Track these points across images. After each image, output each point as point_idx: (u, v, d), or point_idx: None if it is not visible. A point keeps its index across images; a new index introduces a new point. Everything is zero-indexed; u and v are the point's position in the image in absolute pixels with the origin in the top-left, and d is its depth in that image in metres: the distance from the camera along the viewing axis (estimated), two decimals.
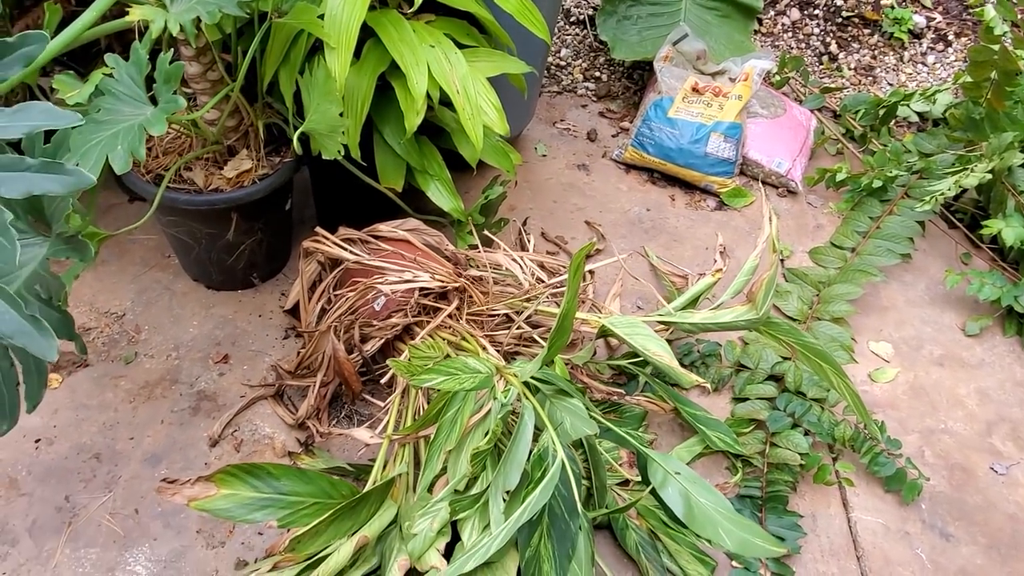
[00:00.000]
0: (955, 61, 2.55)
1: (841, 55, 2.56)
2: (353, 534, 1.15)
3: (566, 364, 1.49)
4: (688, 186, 2.10)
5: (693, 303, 1.51)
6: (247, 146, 1.52)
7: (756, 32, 2.59)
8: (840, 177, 2.03)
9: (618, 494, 1.41)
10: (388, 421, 1.36)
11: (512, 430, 1.14)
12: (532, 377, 1.21)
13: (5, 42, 0.79)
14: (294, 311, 1.63)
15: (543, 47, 1.89)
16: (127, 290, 1.67)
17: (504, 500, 1.11)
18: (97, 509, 1.34)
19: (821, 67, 2.54)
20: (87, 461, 1.40)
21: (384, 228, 1.55)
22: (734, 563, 1.38)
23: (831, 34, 2.59)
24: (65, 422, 1.45)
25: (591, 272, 1.77)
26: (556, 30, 2.49)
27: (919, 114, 2.31)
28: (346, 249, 1.51)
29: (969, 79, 2.02)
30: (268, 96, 1.49)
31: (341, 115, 1.30)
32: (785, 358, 1.65)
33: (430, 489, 1.21)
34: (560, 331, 1.15)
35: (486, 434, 1.15)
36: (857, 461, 1.53)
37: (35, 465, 1.39)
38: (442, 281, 1.45)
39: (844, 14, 2.61)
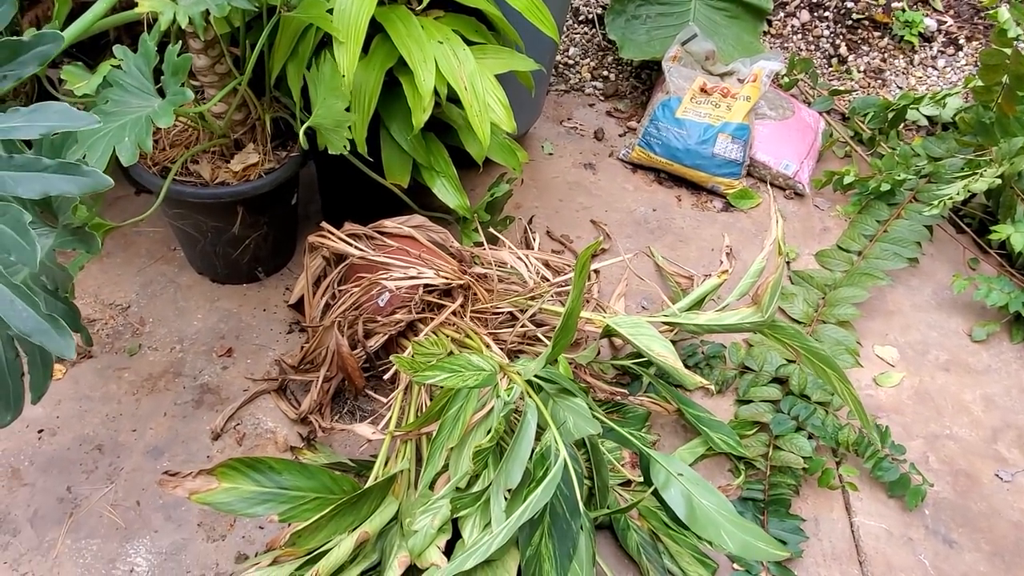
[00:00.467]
0: (966, 65, 2.54)
1: (851, 57, 2.54)
2: (354, 530, 1.15)
3: (570, 363, 1.48)
4: (695, 187, 2.09)
5: (698, 304, 1.51)
6: (254, 140, 1.52)
7: (765, 33, 2.58)
8: (848, 180, 2.02)
9: (620, 494, 1.41)
10: (390, 417, 1.36)
11: (514, 428, 1.14)
12: (535, 376, 1.21)
13: (20, 41, 0.79)
14: (298, 306, 1.63)
15: (552, 45, 1.89)
16: (132, 282, 1.67)
17: (506, 498, 1.11)
18: (99, 500, 1.35)
19: (830, 69, 2.53)
20: (89, 452, 1.40)
21: (389, 224, 1.55)
22: (735, 565, 1.38)
23: (841, 36, 2.58)
24: (68, 413, 1.45)
25: (596, 271, 1.77)
26: (565, 28, 2.49)
27: (928, 118, 2.30)
28: (351, 245, 1.51)
29: (980, 83, 2.00)
30: (276, 90, 1.48)
31: (347, 110, 1.30)
32: (790, 361, 1.64)
33: (432, 486, 1.21)
34: (564, 330, 1.15)
35: (488, 432, 1.15)
36: (861, 465, 1.53)
37: (37, 455, 1.39)
38: (447, 278, 1.45)
39: (854, 16, 2.60)
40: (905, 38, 2.55)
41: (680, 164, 2.03)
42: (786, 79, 2.31)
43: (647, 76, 2.41)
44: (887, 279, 1.83)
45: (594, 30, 2.52)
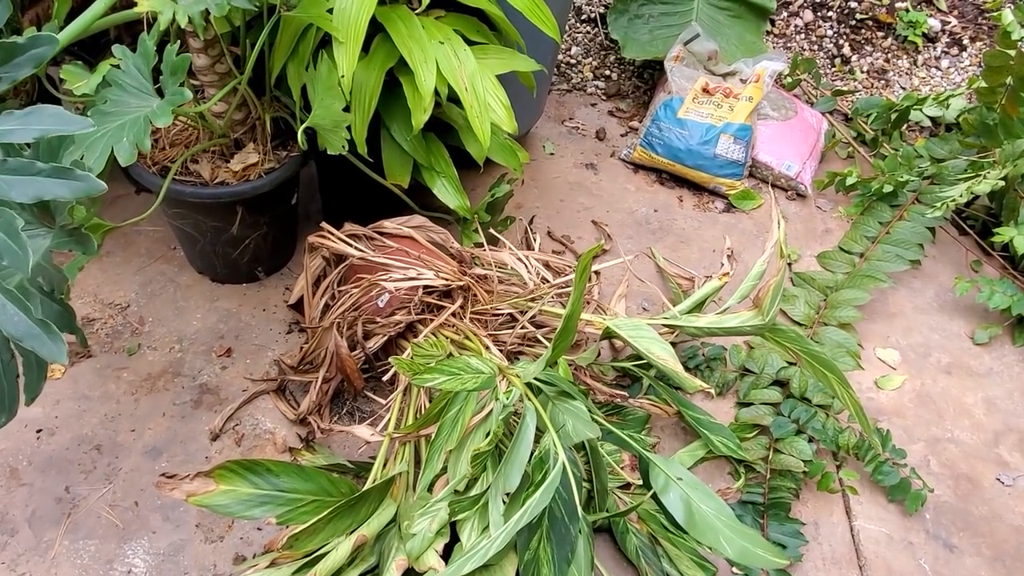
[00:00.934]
0: (969, 66, 2.53)
1: (854, 58, 2.53)
2: (352, 532, 1.14)
3: (570, 365, 1.48)
4: (696, 187, 2.09)
5: (699, 306, 1.50)
6: (254, 140, 1.51)
7: (768, 33, 2.57)
8: (850, 181, 2.01)
9: (619, 497, 1.40)
10: (389, 419, 1.35)
11: (513, 431, 1.13)
12: (535, 378, 1.20)
13: (16, 43, 0.78)
14: (298, 306, 1.63)
15: (553, 45, 1.88)
16: (131, 281, 1.67)
17: (504, 502, 1.10)
18: (97, 501, 1.34)
19: (833, 70, 2.52)
20: (88, 452, 1.40)
21: (389, 225, 1.54)
22: (734, 569, 1.37)
23: (844, 36, 2.57)
24: (67, 413, 1.45)
25: (597, 273, 1.76)
26: (567, 28, 2.48)
27: (932, 119, 2.29)
28: (351, 245, 1.50)
29: (984, 84, 1.99)
30: (276, 90, 1.48)
31: (346, 110, 1.30)
32: (791, 363, 1.64)
33: (430, 488, 1.21)
34: (564, 333, 1.14)
35: (487, 435, 1.14)
36: (861, 469, 1.52)
37: (36, 455, 1.39)
38: (446, 279, 1.44)
39: (858, 16, 2.59)
40: (909, 38, 2.54)
41: (682, 164, 2.03)
42: (789, 79, 2.30)
43: (649, 76, 2.40)
44: (889, 281, 1.83)
45: (596, 29, 2.51)
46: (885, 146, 2.18)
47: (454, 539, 1.15)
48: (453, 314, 1.45)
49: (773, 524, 1.42)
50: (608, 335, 1.42)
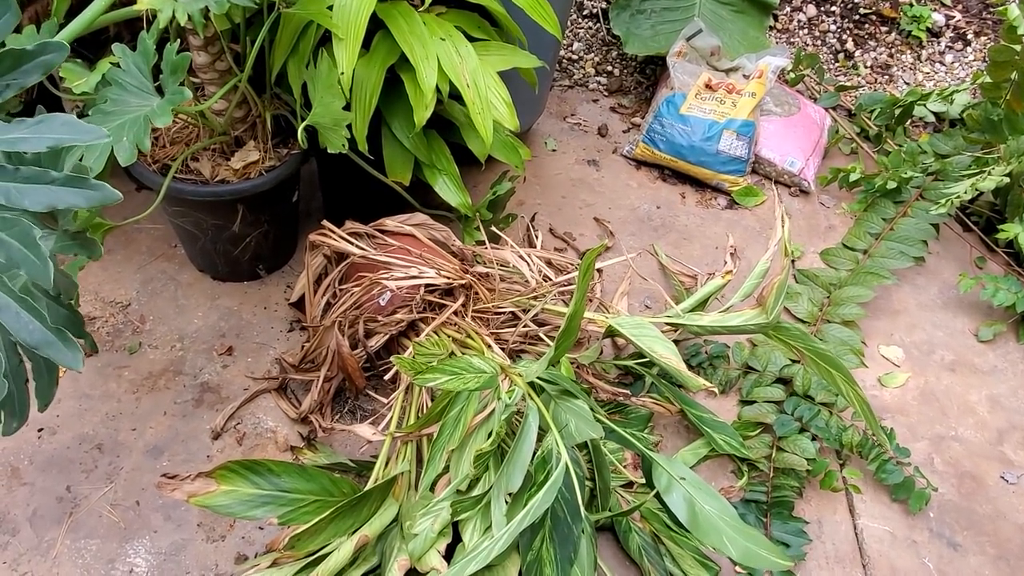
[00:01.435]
0: (974, 61, 2.51)
1: (857, 53, 2.52)
2: (354, 532, 1.14)
3: (572, 363, 1.47)
4: (699, 184, 2.08)
5: (702, 305, 1.49)
6: (254, 137, 1.51)
7: (771, 28, 2.55)
8: (853, 177, 2.00)
9: (622, 496, 1.40)
10: (391, 418, 1.35)
11: (516, 430, 1.13)
12: (537, 377, 1.20)
13: (24, 50, 0.77)
14: (299, 304, 1.62)
15: (555, 41, 1.87)
16: (132, 280, 1.66)
17: (506, 502, 1.10)
18: (98, 500, 1.34)
19: (837, 65, 2.50)
20: (89, 451, 1.40)
21: (391, 223, 1.54)
22: (737, 568, 1.37)
23: (848, 31, 2.56)
24: (68, 412, 1.44)
25: (599, 270, 1.76)
26: (568, 23, 2.46)
27: (936, 114, 2.28)
28: (352, 243, 1.50)
29: (988, 79, 1.98)
30: (276, 87, 1.47)
31: (346, 108, 1.29)
32: (794, 361, 1.63)
33: (432, 488, 1.20)
34: (567, 332, 1.14)
35: (489, 435, 1.14)
36: (865, 467, 1.51)
37: (37, 454, 1.38)
38: (448, 277, 1.44)
39: (861, 11, 2.57)
40: (913, 33, 2.52)
41: (684, 161, 2.02)
42: (792, 75, 2.29)
43: (651, 71, 2.38)
44: (893, 278, 1.82)
45: (598, 25, 2.49)
46: (889, 142, 2.17)
47: (456, 539, 1.15)
48: (455, 312, 1.45)
49: (776, 523, 1.41)
50: (610, 333, 1.41)
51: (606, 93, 2.33)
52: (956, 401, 1.69)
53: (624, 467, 1.44)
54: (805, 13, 2.58)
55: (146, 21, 1.29)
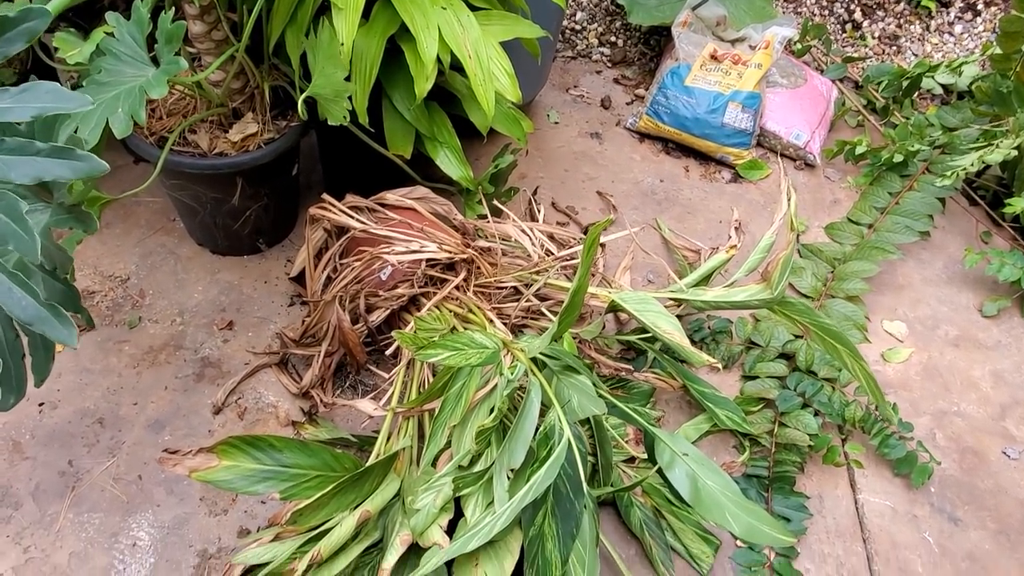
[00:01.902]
0: (984, 32, 2.47)
1: (865, 23, 2.48)
2: (356, 508, 1.14)
3: (574, 338, 1.46)
4: (703, 157, 2.05)
5: (706, 280, 1.48)
6: (253, 109, 1.48)
7: None
8: (860, 150, 1.97)
9: (624, 471, 1.40)
10: (392, 393, 1.34)
11: (518, 406, 1.12)
12: (540, 352, 1.19)
13: (6, 17, 0.75)
14: (300, 278, 1.61)
15: (558, 11, 1.83)
16: (131, 254, 1.65)
17: (508, 478, 1.10)
18: (100, 474, 1.34)
19: (844, 35, 2.46)
20: (90, 426, 1.39)
21: (391, 196, 1.52)
22: (738, 542, 1.38)
23: (855, 1, 2.51)
24: (68, 386, 1.44)
25: (602, 245, 1.74)
26: None
27: (944, 86, 2.24)
28: (353, 217, 1.48)
29: (998, 51, 1.95)
30: (275, 57, 1.44)
31: (347, 79, 1.26)
32: (797, 336, 1.62)
33: (434, 464, 1.20)
34: (571, 307, 1.12)
35: (491, 411, 1.13)
36: (867, 443, 1.51)
37: (38, 429, 1.38)
38: (450, 252, 1.42)
39: None
40: (921, 3, 2.48)
41: (688, 134, 1.99)
42: (799, 46, 2.25)
43: (656, 42, 2.35)
44: (898, 253, 1.80)
45: None
46: (896, 114, 2.14)
47: (458, 514, 1.15)
48: (456, 287, 1.43)
49: (777, 497, 1.42)
50: (613, 308, 1.40)
51: (609, 64, 2.29)
52: (959, 376, 1.68)
53: (626, 442, 1.44)
54: None
55: None
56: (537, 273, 1.47)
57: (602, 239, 1.73)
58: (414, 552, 1.12)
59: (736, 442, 1.51)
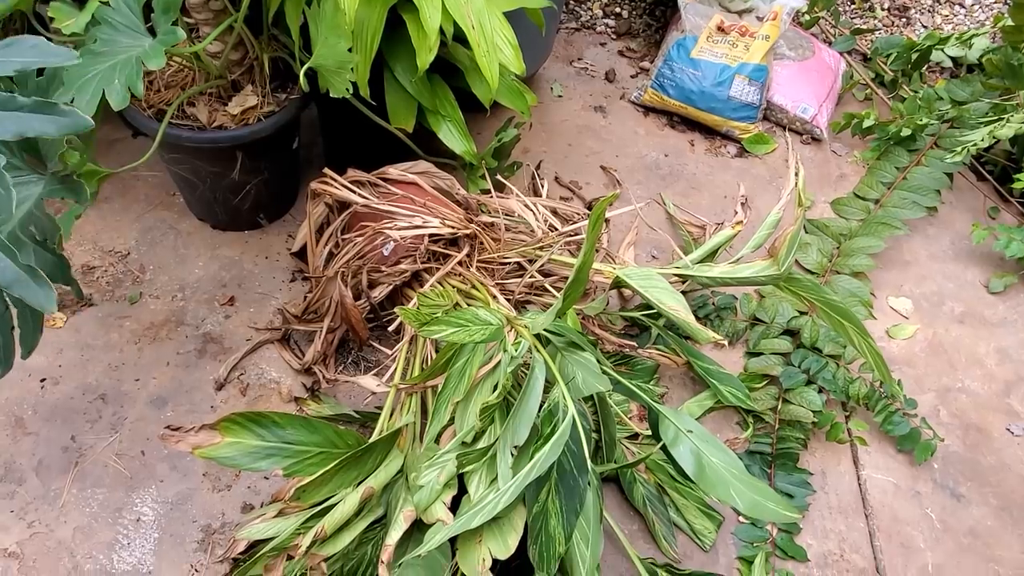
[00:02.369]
0: (995, 3, 2.42)
1: None
2: (359, 484, 1.14)
3: (578, 314, 1.45)
4: (708, 131, 2.03)
5: (711, 256, 1.47)
6: (252, 81, 1.46)
7: None
8: (867, 124, 1.95)
9: (627, 447, 1.40)
10: (395, 369, 1.34)
11: (522, 383, 1.11)
12: (544, 329, 1.18)
13: None
14: (301, 254, 1.59)
15: None
16: (131, 228, 1.64)
17: (512, 454, 1.09)
18: (103, 450, 1.34)
19: (853, 7, 2.42)
20: (93, 402, 1.39)
21: (394, 171, 1.50)
22: (741, 518, 1.38)
23: None
24: (70, 362, 1.43)
25: (606, 220, 1.72)
26: None
27: (953, 59, 2.21)
28: (355, 192, 1.46)
29: (1010, 22, 1.91)
30: (274, 28, 1.42)
31: (350, 51, 1.24)
32: (802, 313, 1.61)
33: (437, 440, 1.20)
34: (576, 284, 1.11)
35: (495, 388, 1.12)
36: (871, 419, 1.51)
37: (40, 404, 1.38)
38: (453, 227, 1.41)
39: None
40: None
41: (694, 107, 1.96)
42: (807, 17, 2.22)
43: (661, 13, 2.31)
44: (905, 228, 1.79)
45: None
46: (904, 88, 2.11)
47: (462, 491, 1.15)
48: (459, 263, 1.42)
49: (780, 474, 1.42)
50: (618, 284, 1.39)
51: (614, 36, 2.26)
52: (964, 353, 1.67)
53: (629, 418, 1.43)
54: None
55: None
56: (541, 249, 1.46)
57: (607, 214, 1.71)
58: (418, 528, 1.12)
59: (740, 419, 1.50)
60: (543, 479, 1.06)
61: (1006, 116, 1.78)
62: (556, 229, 1.54)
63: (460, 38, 1.35)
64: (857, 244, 1.75)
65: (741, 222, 1.48)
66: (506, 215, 1.54)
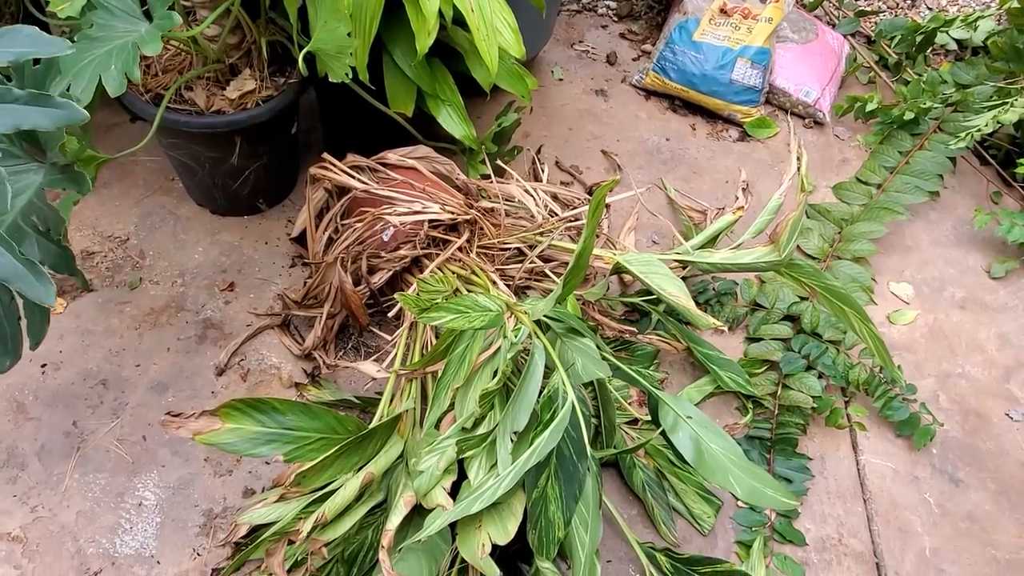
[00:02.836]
0: None
1: None
2: (359, 469, 1.14)
3: (578, 300, 1.45)
4: (710, 115, 2.01)
5: (712, 241, 1.46)
6: (250, 65, 1.45)
7: None
8: (870, 107, 1.93)
9: (627, 432, 1.40)
10: (395, 355, 1.34)
11: (521, 369, 1.11)
12: (544, 315, 1.18)
13: None
14: (301, 239, 1.59)
15: None
16: (131, 214, 1.63)
17: (512, 440, 1.10)
18: (105, 435, 1.34)
19: None
20: (94, 387, 1.39)
21: (393, 156, 1.49)
22: (739, 503, 1.38)
23: None
24: (71, 348, 1.43)
25: (607, 205, 1.71)
26: None
27: (958, 42, 2.19)
28: (354, 177, 1.46)
29: (1015, 4, 1.89)
30: (272, 11, 1.40)
31: (349, 35, 1.23)
32: (802, 298, 1.61)
33: (437, 426, 1.20)
34: (576, 270, 1.11)
35: (495, 374, 1.13)
36: (870, 405, 1.51)
37: (42, 390, 1.38)
38: (453, 213, 1.40)
39: None
40: None
41: (696, 91, 1.95)
42: None
43: None
44: (907, 213, 1.78)
45: None
46: (908, 71, 2.09)
47: (462, 476, 1.15)
48: (459, 248, 1.42)
49: (779, 459, 1.42)
50: (618, 270, 1.38)
51: (615, 18, 2.24)
52: (965, 338, 1.67)
53: (629, 404, 1.44)
54: None
55: None
56: (541, 234, 1.45)
57: (607, 199, 1.70)
58: (418, 513, 1.13)
59: (739, 404, 1.51)
60: (542, 465, 1.07)
61: (1010, 100, 1.76)
62: (556, 214, 1.54)
63: (459, 21, 1.33)
64: (859, 229, 1.75)
65: (742, 207, 1.48)
66: (506, 200, 1.53)
